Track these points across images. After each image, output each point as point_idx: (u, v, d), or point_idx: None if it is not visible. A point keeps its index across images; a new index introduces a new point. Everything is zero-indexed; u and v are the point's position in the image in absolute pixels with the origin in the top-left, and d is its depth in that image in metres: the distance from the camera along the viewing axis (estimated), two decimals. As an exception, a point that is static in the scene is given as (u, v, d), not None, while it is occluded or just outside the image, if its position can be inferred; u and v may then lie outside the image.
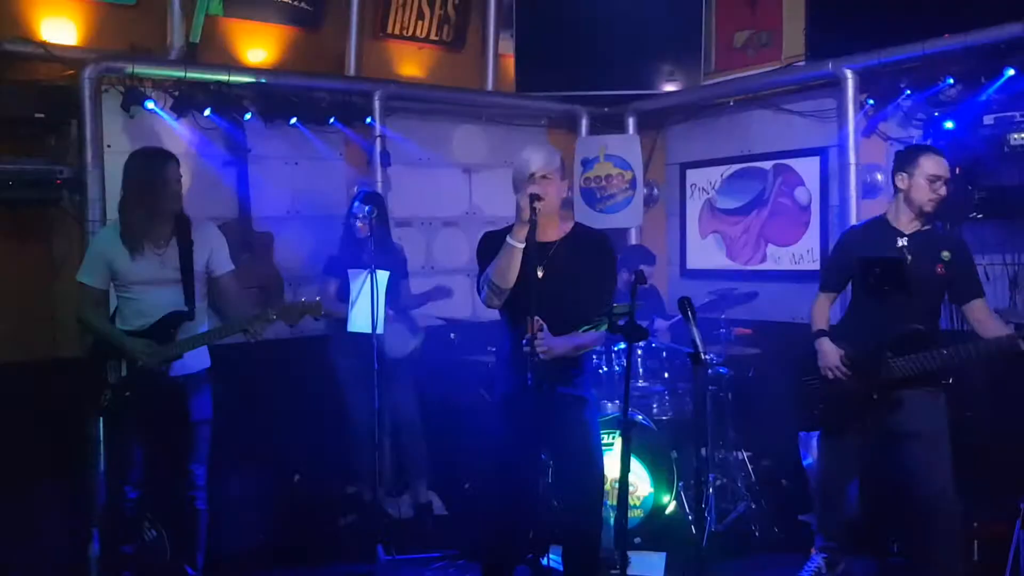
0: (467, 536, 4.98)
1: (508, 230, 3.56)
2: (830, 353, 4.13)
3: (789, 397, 4.36)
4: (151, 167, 3.99)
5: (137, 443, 4.07)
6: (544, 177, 3.54)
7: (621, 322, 3.32)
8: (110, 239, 4.00)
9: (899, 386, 3.82)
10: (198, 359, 4.12)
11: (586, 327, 3.65)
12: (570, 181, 5.13)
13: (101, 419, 4.28)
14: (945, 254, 3.96)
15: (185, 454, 4.09)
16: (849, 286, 4.29)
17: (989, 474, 4.46)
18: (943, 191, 3.99)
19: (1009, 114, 4.72)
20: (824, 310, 4.28)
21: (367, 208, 5.04)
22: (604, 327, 3.46)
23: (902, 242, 4.04)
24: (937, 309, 4.08)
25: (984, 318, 3.97)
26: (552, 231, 3.66)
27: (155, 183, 3.96)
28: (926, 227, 4.07)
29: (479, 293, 3.63)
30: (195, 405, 4.09)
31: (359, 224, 5.14)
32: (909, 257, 4.00)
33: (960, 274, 3.98)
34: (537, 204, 3.43)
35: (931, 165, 3.99)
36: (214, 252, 4.14)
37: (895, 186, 4.10)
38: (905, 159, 4.08)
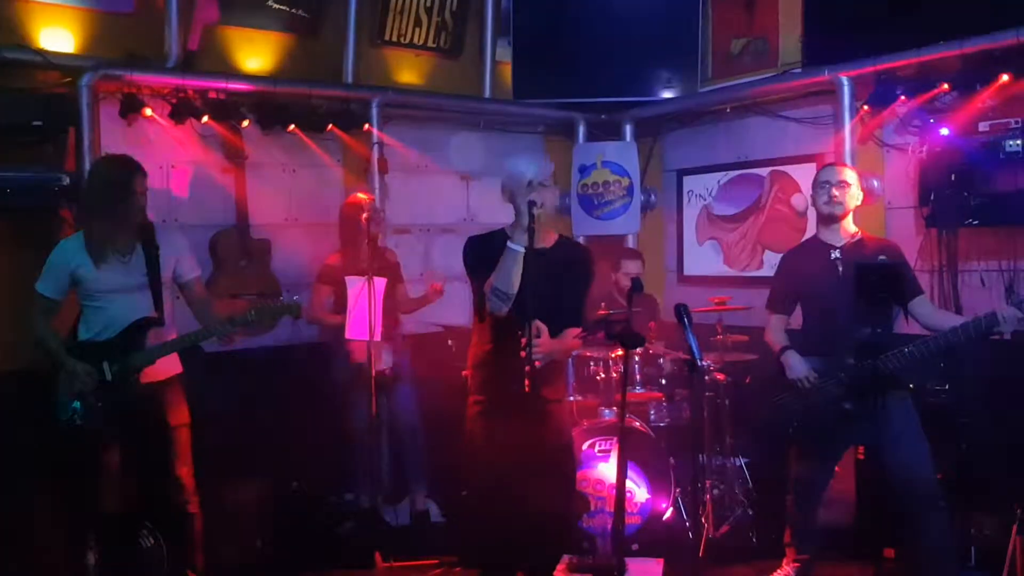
0: (465, 543, 4.98)
1: (494, 235, 3.67)
2: (798, 365, 4.20)
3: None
4: (116, 177, 3.97)
5: (115, 452, 4.03)
6: (542, 184, 3.58)
7: (618, 329, 3.35)
8: (74, 249, 3.98)
9: (870, 394, 3.85)
10: (169, 365, 4.12)
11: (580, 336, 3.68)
12: (560, 188, 5.13)
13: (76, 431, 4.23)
14: (881, 258, 4.09)
15: (168, 460, 4.08)
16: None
17: (986, 479, 4.48)
18: (834, 193, 4.19)
19: (1004, 120, 4.73)
20: (780, 331, 4.40)
21: None
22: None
23: (835, 255, 4.22)
24: (886, 313, 4.13)
25: (931, 311, 4.17)
26: (544, 239, 3.71)
27: (120, 194, 3.94)
28: (857, 237, 4.24)
29: (487, 303, 3.61)
30: (171, 410, 4.08)
31: None
32: (841, 268, 4.15)
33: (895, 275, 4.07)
34: (536, 210, 3.47)
35: (821, 173, 4.27)
36: (180, 259, 4.15)
37: (812, 206, 4.39)
38: (813, 181, 4.34)
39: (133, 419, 3.97)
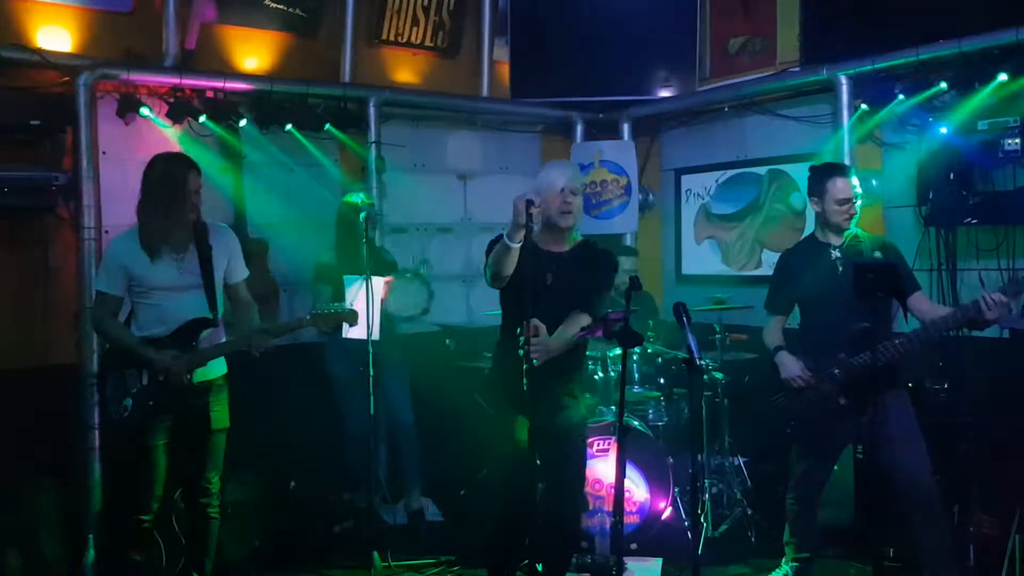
0: (462, 542, 4.99)
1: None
2: (791, 364, 4.20)
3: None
4: (173, 175, 3.94)
5: (160, 453, 4.02)
6: (573, 193, 3.72)
7: (617, 328, 3.35)
8: (128, 245, 3.96)
9: (866, 391, 3.85)
10: (217, 364, 4.12)
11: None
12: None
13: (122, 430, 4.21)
14: (877, 254, 4.10)
15: (204, 463, 4.09)
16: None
17: (985, 478, 4.48)
18: (855, 209, 4.17)
19: (1002, 119, 4.73)
20: (777, 332, 4.40)
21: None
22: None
23: (835, 254, 4.21)
24: (884, 310, 4.12)
25: (929, 308, 4.11)
26: (563, 242, 3.80)
27: (176, 191, 3.92)
28: (854, 234, 4.22)
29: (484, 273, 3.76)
30: (215, 413, 4.08)
31: None
32: (840, 267, 4.14)
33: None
34: (533, 209, 3.47)
35: (837, 190, 4.17)
36: (232, 258, 4.14)
37: (813, 209, 4.31)
38: (814, 185, 4.26)
39: (180, 420, 3.98)
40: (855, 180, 4.20)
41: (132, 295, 4.01)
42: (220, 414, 4.11)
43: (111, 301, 3.98)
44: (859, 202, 4.18)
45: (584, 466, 4.05)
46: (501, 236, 3.77)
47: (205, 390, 4.04)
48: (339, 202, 5.45)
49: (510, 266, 3.57)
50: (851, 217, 4.17)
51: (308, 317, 4.13)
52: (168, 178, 3.94)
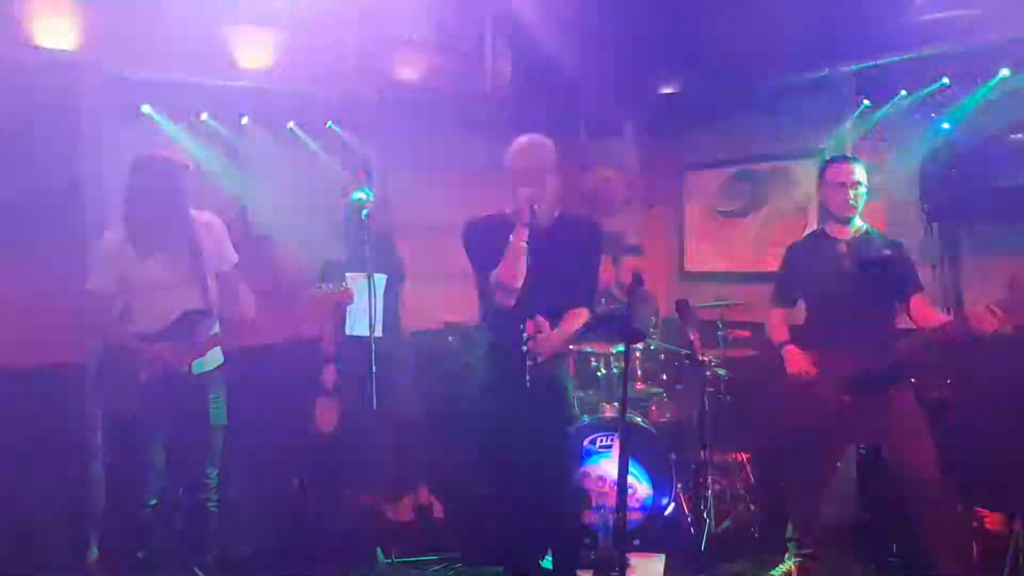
0: (465, 540, 4.99)
1: (492, 218, 3.71)
2: (799, 358, 4.19)
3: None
4: (164, 176, 3.95)
5: (160, 448, 4.03)
6: (540, 170, 3.57)
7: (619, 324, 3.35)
8: (118, 244, 3.97)
9: (871, 388, 3.84)
10: (214, 355, 4.14)
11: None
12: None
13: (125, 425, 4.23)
14: (887, 252, 4.07)
15: (202, 459, 4.10)
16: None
17: (988, 475, 4.47)
18: (848, 194, 4.13)
19: (1005, 115, 4.73)
20: (782, 324, 4.38)
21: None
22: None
23: (842, 249, 4.17)
24: (888, 307, 4.11)
25: (926, 313, 4.08)
26: (546, 217, 3.70)
27: (165, 190, 3.93)
28: (863, 231, 4.19)
29: (494, 296, 3.62)
30: (213, 411, 4.09)
31: None
32: (848, 263, 4.12)
33: (898, 272, 4.06)
34: (536, 207, 3.47)
35: (833, 173, 4.19)
36: (221, 246, 4.14)
37: (819, 199, 4.35)
38: (819, 174, 4.28)
39: (180, 414, 3.99)
40: (858, 169, 4.17)
41: (125, 292, 4.02)
42: (218, 411, 4.13)
43: (105, 300, 3.99)
44: (860, 189, 4.14)
45: (568, 463, 4.02)
46: (473, 225, 3.73)
47: (204, 383, 4.05)
48: (342, 201, 5.44)
49: (523, 271, 3.50)
50: (846, 203, 4.13)
51: (305, 299, 4.11)
52: (153, 176, 3.94)
